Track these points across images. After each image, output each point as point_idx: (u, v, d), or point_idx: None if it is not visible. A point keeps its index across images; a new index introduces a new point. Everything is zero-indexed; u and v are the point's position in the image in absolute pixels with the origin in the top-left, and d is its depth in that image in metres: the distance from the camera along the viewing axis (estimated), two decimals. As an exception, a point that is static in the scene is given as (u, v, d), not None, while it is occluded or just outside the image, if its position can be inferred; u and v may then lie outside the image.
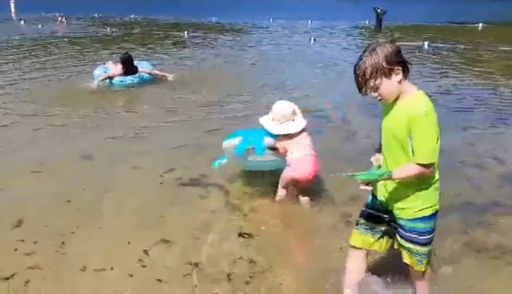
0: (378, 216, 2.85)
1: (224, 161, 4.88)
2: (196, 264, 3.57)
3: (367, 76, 2.40)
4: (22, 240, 3.90)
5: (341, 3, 59.87)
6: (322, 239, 3.99)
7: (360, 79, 2.44)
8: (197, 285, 3.33)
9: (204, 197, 4.79)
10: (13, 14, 31.05)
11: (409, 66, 2.48)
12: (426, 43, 17.44)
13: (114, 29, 25.15)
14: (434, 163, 2.46)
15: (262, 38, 21.27)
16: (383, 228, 2.86)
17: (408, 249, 2.72)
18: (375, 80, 2.40)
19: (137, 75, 10.41)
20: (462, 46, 17.56)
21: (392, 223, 2.79)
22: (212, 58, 15.12)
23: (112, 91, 10.20)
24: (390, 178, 2.53)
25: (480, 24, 25.62)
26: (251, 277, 3.43)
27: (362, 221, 2.93)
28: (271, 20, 31.07)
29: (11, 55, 15.74)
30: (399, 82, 2.44)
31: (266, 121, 4.49)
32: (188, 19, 32.85)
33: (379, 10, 26.53)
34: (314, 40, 19.43)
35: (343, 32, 24.42)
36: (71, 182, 5.14)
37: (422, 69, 12.63)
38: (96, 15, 36.59)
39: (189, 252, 3.75)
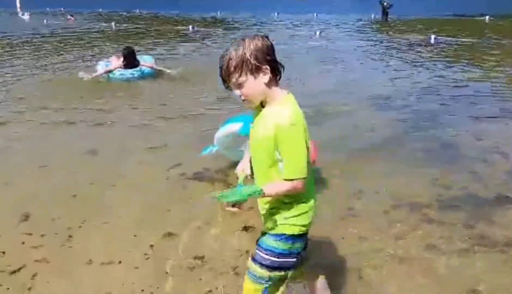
0: None
1: (215, 149, 4.96)
2: (202, 258, 3.58)
3: (231, 69, 2.07)
4: (29, 234, 3.93)
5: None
6: (326, 230, 4.00)
7: (222, 71, 2.11)
8: (202, 278, 3.34)
9: (210, 191, 4.78)
10: (18, 9, 31.08)
11: (281, 69, 2.14)
12: (433, 36, 17.31)
13: (118, 24, 25.16)
14: (304, 178, 2.10)
15: (267, 33, 21.20)
16: None
17: (248, 269, 2.36)
18: (239, 75, 2.07)
19: (138, 68, 10.39)
20: (469, 39, 17.46)
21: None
22: (216, 52, 14.98)
23: (116, 86, 10.21)
24: (262, 196, 2.16)
25: (487, 17, 25.42)
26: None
27: None
28: (276, 14, 30.95)
29: (16, 50, 15.78)
30: (267, 84, 2.09)
31: None
32: (193, 13, 32.81)
33: (385, 4, 26.41)
34: (320, 33, 19.36)
35: (348, 26, 24.33)
36: (76, 177, 5.17)
37: (429, 62, 12.60)
38: (100, 10, 36.62)
39: (194, 245, 3.77)
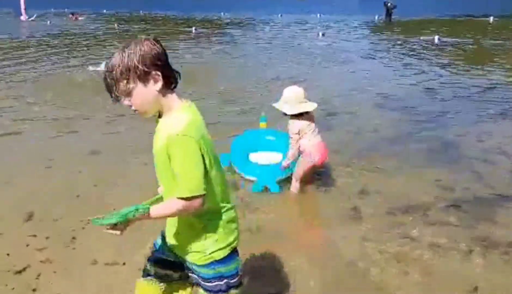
0: (169, 261, 2.27)
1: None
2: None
3: (117, 76, 1.85)
4: (34, 235, 3.95)
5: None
6: (329, 230, 4.02)
7: (108, 78, 1.89)
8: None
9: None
10: (22, 10, 31.13)
11: (177, 75, 1.97)
12: (436, 37, 17.29)
13: (121, 25, 25.19)
14: (200, 196, 1.87)
15: (270, 33, 21.25)
16: (177, 275, 2.29)
17: None
18: (127, 82, 1.86)
19: None
20: (472, 40, 17.43)
21: (187, 270, 2.21)
22: (219, 53, 15.12)
23: None
24: (148, 216, 1.94)
25: (491, 18, 25.35)
26: (262, 272, 3.45)
27: (150, 268, 2.34)
28: (279, 15, 30.97)
29: (18, 51, 15.83)
30: (160, 92, 1.90)
31: (280, 105, 4.47)
32: (197, 14, 32.87)
33: (389, 4, 26.40)
34: (323, 34, 19.37)
35: (352, 26, 24.32)
36: (81, 177, 5.19)
37: (433, 62, 12.59)
38: (104, 11, 36.72)
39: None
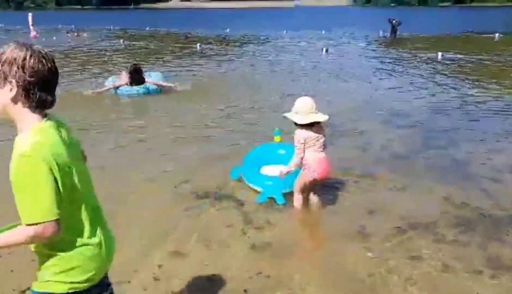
0: None
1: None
2: (211, 278, 3.54)
3: None
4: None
5: (353, 13, 59.97)
6: (338, 248, 3.96)
7: None
8: (211, 299, 3.30)
9: (219, 209, 4.78)
10: (31, 26, 31.49)
11: (47, 98, 1.82)
12: (440, 53, 17.28)
13: (127, 41, 25.39)
14: (50, 221, 1.71)
15: (275, 50, 21.33)
16: None
17: None
18: None
19: (143, 85, 10.56)
20: (477, 57, 17.41)
21: None
22: (223, 70, 15.15)
23: (123, 102, 10.39)
24: None
25: (497, 34, 25.36)
26: (267, 290, 3.40)
27: None
28: (285, 32, 31.17)
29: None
30: (14, 101, 1.77)
31: (291, 115, 4.48)
32: (203, 31, 33.15)
33: (394, 22, 26.52)
34: (326, 50, 19.45)
35: (357, 43, 24.41)
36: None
37: (437, 79, 12.56)
38: (111, 27, 37.11)
39: (203, 265, 3.73)
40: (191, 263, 3.77)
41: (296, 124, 4.45)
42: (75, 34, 28.86)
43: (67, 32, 28.99)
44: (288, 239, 4.20)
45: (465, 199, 4.99)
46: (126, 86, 10.57)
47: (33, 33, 28.31)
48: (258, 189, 5.03)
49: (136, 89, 10.53)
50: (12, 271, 3.67)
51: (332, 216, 4.67)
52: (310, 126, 4.40)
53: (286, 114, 4.55)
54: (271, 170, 5.24)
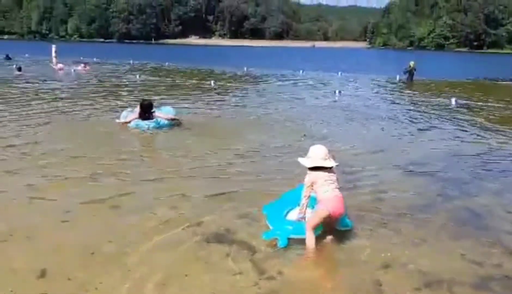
0: None
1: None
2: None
3: None
4: (45, 293, 3.85)
5: (370, 55, 60.64)
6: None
7: None
8: None
9: (230, 255, 4.67)
10: (53, 58, 32.37)
11: None
12: (453, 99, 17.19)
13: (144, 76, 25.68)
14: None
15: (289, 89, 21.52)
16: None
17: None
18: None
19: (154, 120, 10.84)
20: (493, 104, 17.31)
21: None
22: (236, 107, 15.21)
23: (140, 136, 10.51)
24: None
25: (513, 82, 25.33)
26: None
27: None
28: (301, 72, 31.54)
29: (36, 99, 16.26)
30: None
31: (303, 160, 5.02)
32: (220, 68, 33.67)
33: (411, 65, 26.76)
34: (339, 92, 19.54)
35: (371, 86, 24.51)
36: (97, 233, 5.11)
37: (448, 127, 12.43)
38: (131, 61, 37.94)
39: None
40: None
41: (309, 167, 4.93)
42: (84, 67, 28.57)
43: (82, 65, 28.96)
44: (300, 291, 4.07)
45: (485, 256, 4.83)
46: (137, 120, 10.89)
47: (59, 65, 28.33)
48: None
49: (146, 123, 10.79)
50: None
51: (346, 267, 4.54)
52: (321, 169, 4.86)
53: (300, 159, 5.08)
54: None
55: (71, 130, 10.66)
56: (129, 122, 10.95)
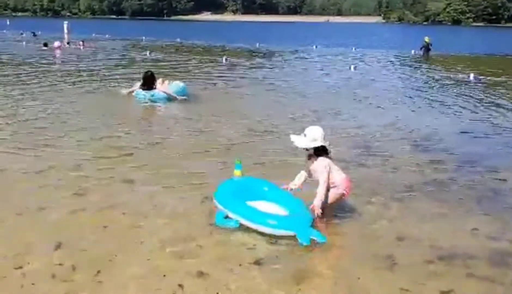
0: None
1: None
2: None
3: None
4: (60, 264, 3.90)
5: (385, 30, 59.64)
6: (365, 280, 3.80)
7: None
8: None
9: (243, 226, 4.65)
10: (65, 35, 32.34)
11: None
12: (472, 75, 16.86)
13: (154, 53, 25.45)
14: None
15: (302, 65, 21.32)
16: None
17: None
18: None
19: (151, 92, 11.26)
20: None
21: None
22: (247, 84, 15.10)
23: (152, 114, 10.68)
24: None
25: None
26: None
27: None
28: (315, 47, 31.14)
29: (47, 76, 16.31)
30: None
31: (311, 143, 4.71)
32: (233, 44, 33.40)
33: (426, 40, 26.33)
34: (354, 68, 19.27)
35: (386, 61, 24.17)
36: (110, 206, 5.14)
37: (468, 103, 12.20)
38: (143, 38, 37.79)
39: (225, 287, 3.64)
40: (212, 284, 3.66)
41: (316, 152, 4.75)
42: (82, 44, 28.00)
43: (80, 42, 28.46)
44: (315, 262, 4.07)
45: (500, 231, 4.78)
46: (138, 90, 11.46)
47: (56, 43, 26.95)
48: (264, 228, 4.44)
49: (143, 93, 11.29)
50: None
51: (359, 241, 4.51)
52: (326, 153, 4.76)
53: (303, 144, 4.76)
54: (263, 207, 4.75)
55: (88, 110, 10.70)
56: (132, 91, 11.59)
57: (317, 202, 4.59)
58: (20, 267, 3.84)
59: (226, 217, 4.65)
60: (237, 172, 5.32)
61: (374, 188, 5.78)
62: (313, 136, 4.69)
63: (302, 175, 4.93)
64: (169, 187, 5.74)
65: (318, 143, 4.68)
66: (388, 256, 4.20)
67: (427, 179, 6.29)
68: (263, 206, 4.76)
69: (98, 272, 3.80)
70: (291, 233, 4.34)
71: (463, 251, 4.34)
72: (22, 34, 38.42)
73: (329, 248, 4.37)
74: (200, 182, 5.88)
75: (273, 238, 4.38)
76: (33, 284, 3.62)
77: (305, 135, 4.73)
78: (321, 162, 4.71)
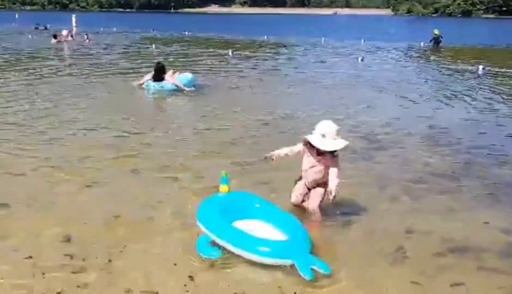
0: None
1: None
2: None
3: None
4: (70, 256, 3.91)
5: (394, 23, 59.14)
6: (374, 273, 3.78)
7: None
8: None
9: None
10: (74, 28, 32.39)
11: None
12: (480, 67, 16.65)
13: (160, 46, 25.29)
14: None
15: (311, 57, 21.20)
16: None
17: None
18: None
19: (161, 83, 11.57)
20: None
21: None
22: (253, 77, 14.93)
23: (161, 105, 10.79)
24: None
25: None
26: None
27: None
28: (323, 39, 30.93)
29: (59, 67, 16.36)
30: None
31: (319, 140, 4.44)
32: (241, 37, 33.26)
33: (436, 33, 26.09)
34: (362, 60, 19.14)
35: (396, 53, 23.95)
36: (120, 197, 5.15)
37: (477, 96, 12.06)
38: (151, 30, 37.78)
39: (236, 279, 3.64)
40: (223, 276, 3.67)
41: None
42: (88, 38, 27.70)
43: (85, 35, 28.30)
44: (324, 256, 4.05)
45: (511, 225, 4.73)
46: (149, 81, 11.73)
47: (65, 32, 27.49)
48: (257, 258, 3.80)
49: (153, 85, 11.61)
50: (44, 274, 3.65)
51: (369, 233, 4.48)
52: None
53: (335, 145, 4.43)
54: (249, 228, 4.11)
55: (99, 102, 10.73)
56: (143, 83, 11.87)
57: (333, 186, 4.39)
58: (31, 257, 3.86)
59: (212, 242, 4.01)
60: (223, 187, 4.38)
61: (384, 181, 5.75)
62: (332, 135, 4.41)
63: (293, 150, 4.70)
64: (178, 179, 5.74)
65: (343, 141, 4.45)
66: (398, 249, 4.17)
67: (437, 171, 6.24)
68: (253, 226, 4.16)
69: (109, 261, 3.83)
70: (288, 262, 3.73)
71: (474, 244, 4.30)
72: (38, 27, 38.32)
73: (338, 241, 4.36)
74: (210, 174, 5.86)
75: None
76: (43, 274, 3.64)
77: (323, 136, 4.40)
78: (339, 159, 4.54)
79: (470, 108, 10.52)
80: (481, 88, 13.23)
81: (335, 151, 4.47)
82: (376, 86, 13.24)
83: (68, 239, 4.21)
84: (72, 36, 28.23)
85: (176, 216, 4.72)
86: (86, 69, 15.65)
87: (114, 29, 39.28)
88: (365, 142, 7.44)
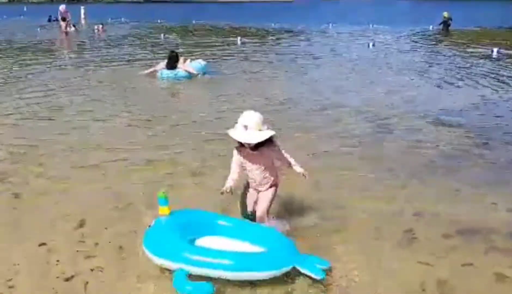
0: None
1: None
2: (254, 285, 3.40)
3: None
4: (84, 241, 4.00)
5: (402, 6, 58.39)
6: (384, 254, 3.81)
7: None
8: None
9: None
10: (82, 20, 32.47)
11: None
12: (495, 49, 16.44)
13: (167, 35, 25.14)
14: None
15: (320, 44, 21.05)
16: None
17: None
18: None
19: (174, 71, 11.90)
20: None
21: None
22: (262, 64, 14.90)
23: (172, 94, 11.00)
24: None
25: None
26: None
27: None
28: (330, 25, 30.65)
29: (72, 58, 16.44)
30: None
31: (242, 133, 3.79)
32: (248, 24, 33.07)
33: (445, 15, 25.76)
34: (373, 45, 18.98)
35: (405, 37, 23.73)
36: (133, 185, 5.22)
37: (491, 78, 11.93)
38: (158, 21, 37.70)
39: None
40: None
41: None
42: (101, 28, 27.46)
43: (96, 26, 28.16)
44: (334, 239, 4.08)
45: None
46: (163, 69, 12.02)
47: (62, 24, 27.10)
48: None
49: (166, 73, 11.91)
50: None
51: (379, 219, 4.48)
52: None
53: (254, 139, 3.76)
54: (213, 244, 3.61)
55: (110, 92, 10.82)
56: (156, 71, 12.09)
57: (300, 169, 4.04)
58: (44, 244, 3.95)
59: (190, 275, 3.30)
60: (163, 209, 3.63)
61: (394, 164, 5.75)
62: (257, 123, 3.75)
63: (236, 165, 4.04)
64: (189, 166, 5.79)
65: (269, 131, 3.80)
66: (407, 231, 4.19)
67: (446, 154, 6.24)
68: (228, 245, 3.59)
69: (120, 247, 3.89)
70: (287, 269, 3.38)
71: (483, 225, 4.30)
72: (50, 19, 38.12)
73: (347, 224, 4.37)
74: (223, 162, 5.87)
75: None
76: (57, 261, 3.72)
77: (246, 127, 3.74)
78: (272, 147, 3.92)
79: (482, 91, 10.41)
80: (495, 70, 13.07)
81: (272, 143, 3.89)
82: (387, 69, 13.23)
83: (81, 225, 4.28)
84: (74, 26, 27.86)
85: (187, 203, 4.74)
86: (96, 60, 15.73)
87: (122, 19, 39.23)
88: (372, 124, 7.47)
